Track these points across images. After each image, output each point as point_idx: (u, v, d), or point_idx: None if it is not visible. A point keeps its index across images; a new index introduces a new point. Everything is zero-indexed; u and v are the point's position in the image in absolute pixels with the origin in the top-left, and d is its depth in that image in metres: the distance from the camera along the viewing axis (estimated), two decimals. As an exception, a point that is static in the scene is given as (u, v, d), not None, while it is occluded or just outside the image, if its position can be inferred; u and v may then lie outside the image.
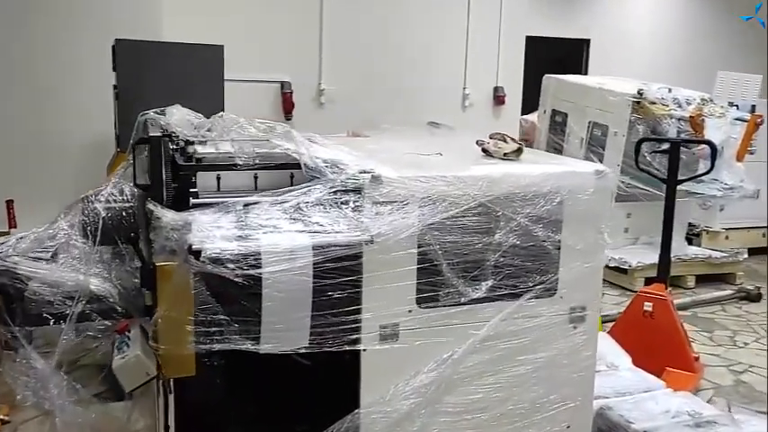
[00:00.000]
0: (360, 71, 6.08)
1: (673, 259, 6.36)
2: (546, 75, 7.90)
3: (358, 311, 2.20)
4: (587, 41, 9.98)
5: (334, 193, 2.22)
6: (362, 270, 2.18)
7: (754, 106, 7.56)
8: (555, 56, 10.04)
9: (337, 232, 2.12)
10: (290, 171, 2.46)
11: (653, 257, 6.37)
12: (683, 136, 6.29)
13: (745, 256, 6.56)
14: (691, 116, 6.04)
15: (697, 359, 4.46)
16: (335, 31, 6.25)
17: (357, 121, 5.38)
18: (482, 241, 2.33)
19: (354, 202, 2.21)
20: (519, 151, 2.60)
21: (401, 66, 6.20)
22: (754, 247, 7.55)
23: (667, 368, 4.31)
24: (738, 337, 5.21)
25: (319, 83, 6.21)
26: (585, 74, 9.92)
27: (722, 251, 6.67)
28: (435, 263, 2.29)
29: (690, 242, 7.32)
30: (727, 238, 7.44)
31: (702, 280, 6.47)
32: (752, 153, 7.34)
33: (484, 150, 2.73)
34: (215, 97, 4.38)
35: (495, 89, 6.24)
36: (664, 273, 4.65)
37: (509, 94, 7.29)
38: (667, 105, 6.27)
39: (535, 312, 2.46)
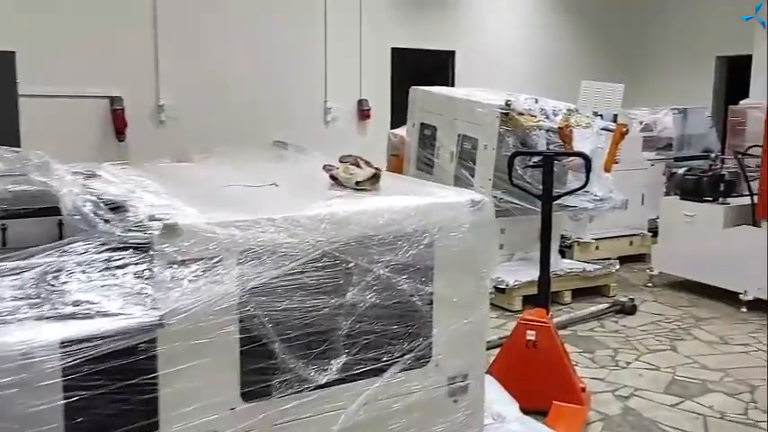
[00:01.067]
0: (205, 84, 5.30)
1: (552, 274, 6.12)
2: (412, 86, 7.49)
3: (154, 427, 1.49)
4: (452, 53, 9.74)
5: (109, 251, 1.50)
6: (156, 365, 1.48)
7: (616, 116, 7.54)
8: (424, 67, 9.72)
9: (107, 314, 1.40)
10: (56, 218, 1.71)
11: (530, 274, 6.05)
12: (552, 148, 6.05)
13: (617, 267, 6.40)
14: (559, 127, 5.78)
15: (584, 390, 4.08)
16: (174, 40, 5.43)
17: (206, 141, 4.63)
18: (329, 304, 1.70)
19: (139, 263, 1.50)
20: (375, 178, 2.00)
21: (254, 78, 5.47)
22: (623, 256, 7.49)
23: (554, 402, 3.91)
24: (620, 356, 4.93)
25: (158, 98, 5.36)
26: (452, 86, 9.68)
27: (596, 264, 6.48)
28: (265, 341, 1.63)
29: (563, 255, 7.13)
30: (597, 248, 7.33)
31: (578, 294, 6.23)
32: (617, 162, 7.30)
33: (333, 178, 2.10)
34: (5, 114, 3.46)
35: (360, 102, 5.67)
36: (544, 297, 4.25)
37: (376, 107, 6.79)
38: (535, 116, 6.00)
39: (405, 389, 1.87)
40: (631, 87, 11.22)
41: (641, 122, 8.33)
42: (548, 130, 5.90)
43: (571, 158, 5.78)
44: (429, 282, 1.84)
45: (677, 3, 10.60)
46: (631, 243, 7.54)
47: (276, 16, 5.18)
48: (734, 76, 10.11)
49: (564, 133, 5.73)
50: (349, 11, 5.60)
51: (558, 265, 6.28)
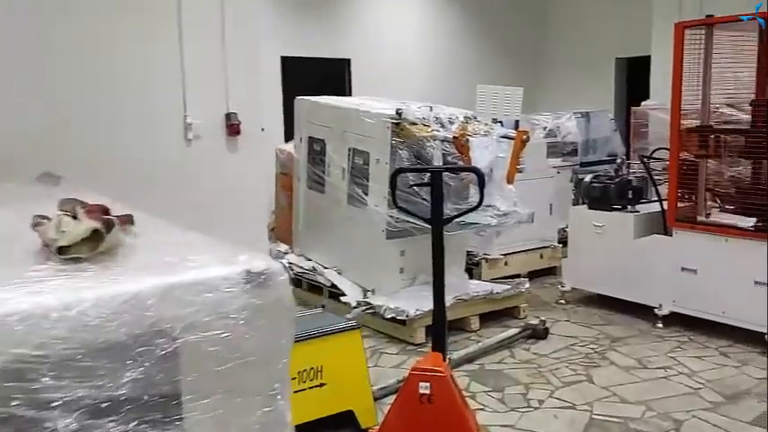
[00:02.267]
0: (47, 104, 4.32)
1: (453, 300, 5.43)
2: (297, 97, 6.71)
3: None
4: (348, 61, 9.03)
5: None
6: None
7: (517, 122, 7.00)
8: (320, 77, 8.98)
9: None
10: None
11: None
12: (450, 159, 5.39)
13: (527, 285, 5.81)
14: (455, 137, 5.13)
15: (490, 448, 3.39)
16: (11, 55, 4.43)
17: (42, 165, 3.68)
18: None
19: None
20: (94, 239, 1.18)
21: (101, 95, 4.53)
22: (534, 270, 6.95)
23: (455, 467, 3.20)
24: (532, 393, 4.29)
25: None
26: (350, 95, 8.96)
27: (505, 283, 5.86)
28: None
29: (470, 273, 6.50)
30: (506, 264, 6.75)
31: (487, 318, 5.59)
32: (521, 171, 6.74)
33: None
34: None
35: (228, 116, 4.82)
36: (440, 338, 3.53)
37: (265, 121, 5.95)
38: (429, 126, 5.32)
39: None
40: (534, 92, 10.94)
41: (545, 128, 7.86)
42: (443, 141, 5.23)
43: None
44: (173, 422, 1.04)
45: (576, 4, 10.29)
46: (542, 256, 7.00)
47: (117, 24, 4.26)
48: (634, 78, 9.87)
49: (459, 143, 5.08)
50: (211, 12, 4.74)
51: (464, 288, 5.63)
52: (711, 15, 4.98)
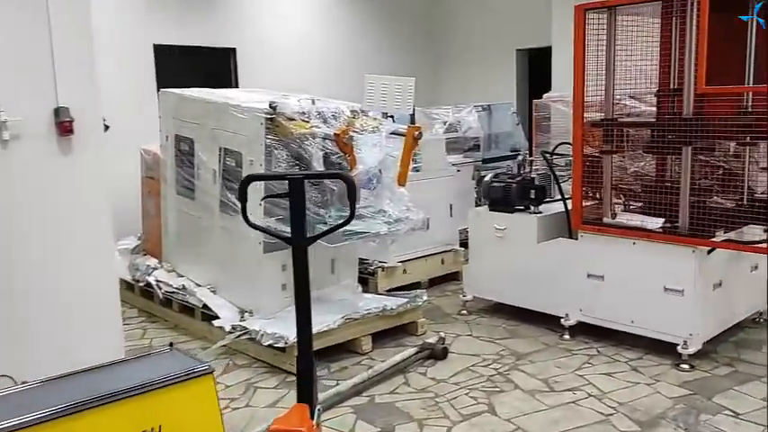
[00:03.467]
0: None
1: (342, 321, 4.73)
2: (162, 90, 5.79)
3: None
4: (233, 50, 8.12)
5: None
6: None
7: (413, 116, 6.36)
8: (203, 68, 8.03)
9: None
10: None
11: (320, 321, 4.67)
12: (334, 159, 4.67)
13: (425, 297, 5.17)
14: (336, 134, 4.40)
15: None
16: None
17: None
18: None
19: None
20: None
21: None
22: (435, 277, 6.35)
23: None
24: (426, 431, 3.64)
25: None
26: (237, 86, 8.07)
27: (401, 296, 5.20)
28: None
29: (365, 284, 5.82)
30: (405, 271, 6.10)
31: (381, 336, 4.91)
32: (417, 170, 6.12)
33: None
34: None
35: (57, 112, 3.88)
36: (305, 389, 2.80)
37: (86, 117, 5.02)
38: (308, 121, 4.57)
39: None
40: (435, 86, 10.43)
41: (445, 123, 7.28)
42: (324, 138, 4.49)
43: (355, 172, 4.43)
44: None
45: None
46: (443, 261, 6.41)
47: None
48: (538, 70, 9.48)
49: (342, 141, 4.36)
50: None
51: (354, 305, 4.92)
52: (614, -3, 4.48)
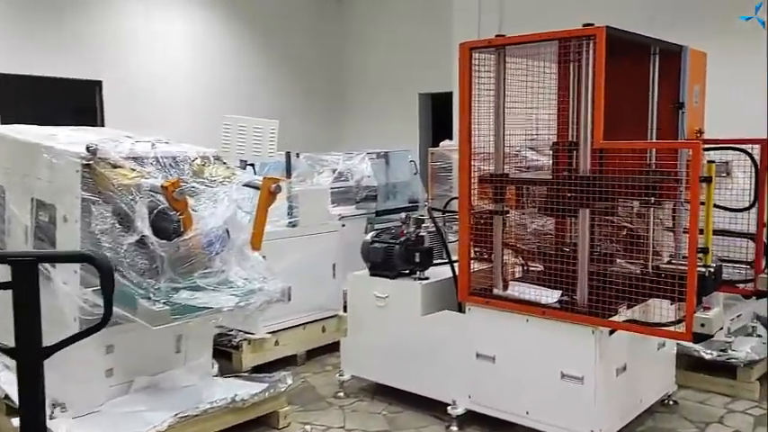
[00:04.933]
0: None
1: (175, 420, 3.77)
2: (-26, 126, 4.75)
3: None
4: (98, 84, 7.14)
5: None
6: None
7: (289, 162, 5.55)
8: (59, 102, 7.00)
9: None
10: None
11: (150, 419, 3.72)
12: (174, 218, 3.77)
13: (290, 382, 4.29)
14: (164, 186, 3.52)
15: None
16: None
17: None
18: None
19: None
20: None
21: None
22: (314, 348, 5.48)
23: None
24: None
25: None
26: (103, 125, 7.08)
27: (259, 381, 4.31)
28: None
29: (229, 358, 4.91)
30: (277, 343, 5.21)
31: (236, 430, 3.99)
32: (294, 226, 5.32)
33: None
34: None
35: None
36: None
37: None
38: (135, 169, 3.68)
39: None
40: (335, 131, 9.78)
41: (334, 170, 6.52)
42: (151, 191, 3.60)
43: (190, 234, 3.56)
44: None
45: (377, 35, 9.24)
46: (324, 329, 5.56)
47: None
48: (443, 115, 8.94)
49: (170, 195, 3.49)
50: None
51: (198, 393, 3.99)
52: (503, 35, 3.88)
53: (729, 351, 4.65)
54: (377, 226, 6.14)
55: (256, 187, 3.87)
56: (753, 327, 5.06)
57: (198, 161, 4.07)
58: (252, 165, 4.65)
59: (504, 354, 3.92)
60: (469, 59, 3.91)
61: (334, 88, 9.54)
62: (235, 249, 3.83)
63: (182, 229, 3.55)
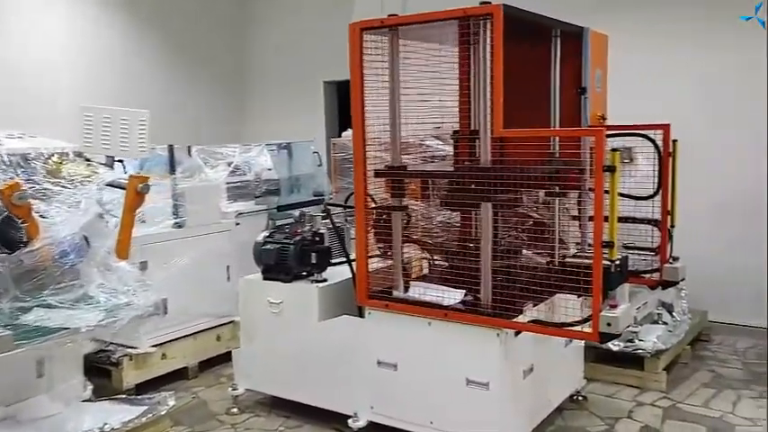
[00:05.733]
0: None
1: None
2: None
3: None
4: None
5: None
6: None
7: (173, 158, 5.03)
8: None
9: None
10: None
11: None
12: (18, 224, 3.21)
13: (172, 403, 3.82)
14: (0, 190, 2.97)
15: None
16: None
17: None
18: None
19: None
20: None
21: None
22: (208, 359, 5.01)
23: None
24: None
25: None
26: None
27: (138, 404, 3.82)
28: None
29: (109, 376, 4.39)
30: (164, 356, 4.71)
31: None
32: (180, 227, 4.83)
33: None
34: None
35: None
36: None
37: None
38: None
39: None
40: (239, 122, 9.22)
41: (230, 164, 6.02)
42: (-13, 196, 3.04)
43: (38, 244, 3.03)
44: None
45: (279, 20, 8.71)
46: (219, 338, 5.10)
47: None
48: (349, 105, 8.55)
49: (8, 201, 2.94)
50: None
51: (62, 423, 3.47)
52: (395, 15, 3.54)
53: (636, 341, 4.55)
54: (279, 222, 5.74)
55: (121, 187, 3.37)
56: (658, 314, 5.02)
57: (54, 158, 3.53)
58: (121, 161, 4.12)
59: (406, 361, 3.62)
60: (360, 41, 3.55)
61: (235, 76, 8.95)
62: (97, 260, 3.32)
63: (26, 240, 3.01)
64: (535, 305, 3.52)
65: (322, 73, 8.18)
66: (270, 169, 6.48)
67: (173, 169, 4.85)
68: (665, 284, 4.09)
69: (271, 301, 4.10)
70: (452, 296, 3.54)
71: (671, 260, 4.07)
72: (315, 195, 6.82)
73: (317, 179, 6.93)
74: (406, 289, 3.72)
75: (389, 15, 3.54)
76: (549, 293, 3.52)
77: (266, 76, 8.87)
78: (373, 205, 3.86)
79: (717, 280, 5.59)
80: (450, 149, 4.35)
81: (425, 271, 4.19)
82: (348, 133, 6.50)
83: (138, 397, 4.00)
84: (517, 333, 3.39)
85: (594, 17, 4.21)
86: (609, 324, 3.01)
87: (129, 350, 4.48)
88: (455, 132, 4.00)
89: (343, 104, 8.62)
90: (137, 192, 3.32)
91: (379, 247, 3.97)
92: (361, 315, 3.83)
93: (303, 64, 8.40)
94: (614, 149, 3.06)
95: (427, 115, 4.05)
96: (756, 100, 5.42)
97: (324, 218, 4.21)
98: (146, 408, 3.75)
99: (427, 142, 4.53)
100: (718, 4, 5.61)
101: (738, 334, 5.50)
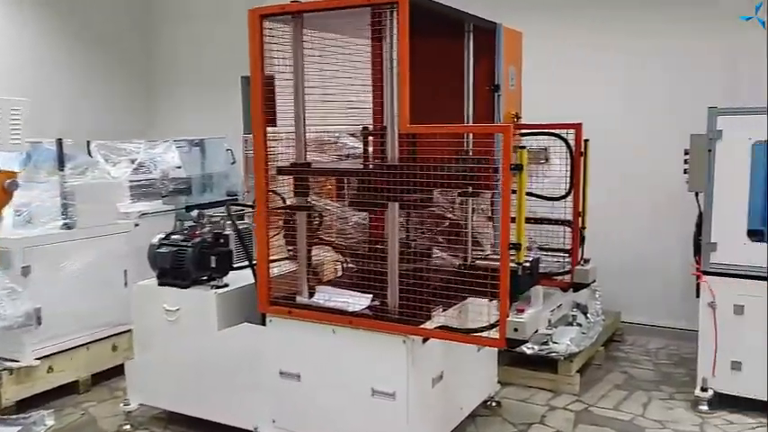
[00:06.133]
0: None
1: None
2: None
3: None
4: None
5: None
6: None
7: (61, 152, 4.61)
8: None
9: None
10: None
11: None
12: None
13: (50, 423, 3.46)
14: None
15: None
16: None
17: None
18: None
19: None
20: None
21: None
22: (103, 371, 4.63)
23: None
24: None
25: None
26: None
27: (16, 422, 3.44)
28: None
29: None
30: (50, 370, 4.30)
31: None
32: (70, 228, 4.43)
33: None
34: None
35: None
36: None
37: None
38: None
39: None
40: (150, 116, 8.76)
41: (133, 161, 5.62)
42: None
43: None
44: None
45: (191, 7, 8.30)
46: (115, 348, 4.72)
47: None
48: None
49: None
50: None
51: None
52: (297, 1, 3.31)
53: (551, 344, 4.49)
54: (190, 223, 5.40)
55: (-15, 184, 2.99)
56: (573, 315, 4.99)
57: None
58: (-8, 154, 3.71)
59: (309, 371, 3.39)
60: (260, 28, 3.31)
61: (145, 68, 8.48)
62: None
63: None
64: (445, 310, 3.36)
65: (240, 67, 7.83)
66: (179, 167, 6.12)
67: (62, 165, 4.44)
68: (577, 287, 4.02)
69: (166, 308, 3.79)
70: (359, 301, 3.34)
71: (582, 262, 4.01)
72: (228, 195, 6.49)
73: (231, 178, 6.60)
74: (312, 294, 3.49)
75: (292, 1, 3.31)
76: (461, 297, 3.39)
77: (179, 70, 8.44)
78: (281, 205, 3.63)
79: (629, 280, 5.65)
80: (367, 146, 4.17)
81: (341, 274, 3.99)
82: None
83: (13, 417, 3.61)
84: (425, 339, 3.22)
85: (513, 15, 4.11)
86: (516, 329, 2.88)
87: (10, 364, 4.05)
88: (364, 129, 3.81)
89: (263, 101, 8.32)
90: (3, 189, 2.95)
91: (289, 250, 3.74)
92: (261, 324, 3.57)
93: (220, 56, 8.04)
94: (521, 147, 2.93)
95: (343, 111, 3.85)
96: (658, 96, 5.53)
97: (227, 219, 3.93)
98: (19, 428, 3.40)
99: (343, 139, 4.33)
100: (632, 5, 5.67)
101: (650, 334, 5.56)
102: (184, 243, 3.82)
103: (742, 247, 4.00)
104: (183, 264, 3.77)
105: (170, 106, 8.50)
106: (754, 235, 4.04)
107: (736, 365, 4.03)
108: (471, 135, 3.70)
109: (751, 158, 3.97)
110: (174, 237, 3.91)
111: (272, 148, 3.54)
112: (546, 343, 4.50)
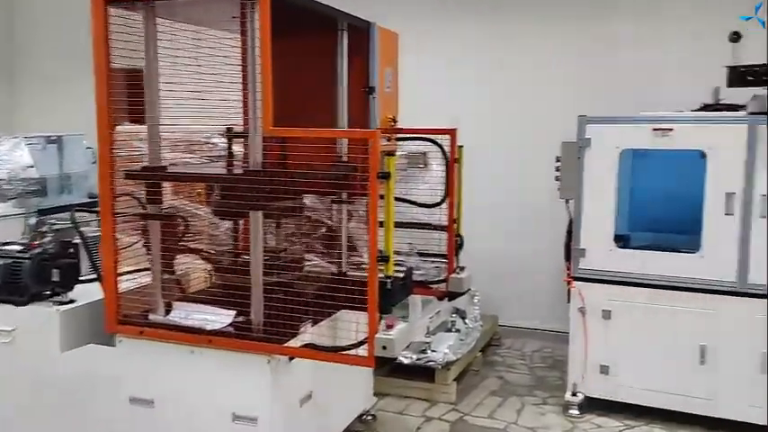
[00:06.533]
0: None
1: None
2: None
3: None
4: None
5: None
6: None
7: None
8: None
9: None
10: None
11: None
12: None
13: None
14: None
15: None
16: None
17: None
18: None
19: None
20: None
21: None
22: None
23: None
24: None
25: None
26: None
27: None
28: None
29: None
30: None
31: None
32: None
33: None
34: None
35: None
36: None
37: None
38: None
39: None
40: (9, 109, 7.97)
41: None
42: None
43: None
44: None
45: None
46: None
47: None
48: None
49: None
50: None
51: None
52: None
53: (429, 352, 4.41)
54: (41, 228, 4.84)
55: None
56: (452, 321, 4.94)
57: None
58: None
59: (164, 396, 3.07)
60: (105, 16, 2.96)
61: (12, 58, 7.68)
62: None
63: None
64: (317, 322, 3.16)
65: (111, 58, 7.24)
66: (30, 166, 5.51)
67: None
68: (451, 296, 3.96)
69: (1, 328, 3.32)
70: (220, 319, 3.06)
71: (458, 270, 3.94)
72: (90, 197, 5.92)
73: (92, 178, 6.03)
74: (168, 311, 3.17)
75: (152, -12, 2.98)
76: (333, 310, 3.20)
77: (40, 58, 7.70)
78: (136, 211, 3.28)
79: (505, 283, 5.71)
80: (236, 149, 3.89)
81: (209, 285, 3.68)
82: (123, 128, 5.74)
83: None
84: (291, 357, 3.00)
85: (392, 17, 3.95)
86: (384, 347, 2.73)
87: None
88: (228, 130, 3.54)
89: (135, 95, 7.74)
90: None
91: (149, 260, 3.39)
92: (111, 343, 3.21)
93: (85, 47, 7.39)
94: (389, 154, 2.79)
95: (212, 110, 3.55)
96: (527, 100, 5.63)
97: (72, 226, 3.52)
98: None
99: (214, 140, 4.02)
100: (512, 9, 5.73)
101: (526, 337, 5.65)
102: (21, 254, 3.36)
103: (609, 254, 4.10)
104: (20, 278, 3.31)
105: (36, 98, 7.73)
106: (620, 240, 4.16)
107: (604, 369, 4.12)
108: (346, 140, 3.54)
109: (618, 166, 4.07)
110: (8, 247, 3.44)
111: (137, 149, 3.25)
112: (424, 351, 4.42)
